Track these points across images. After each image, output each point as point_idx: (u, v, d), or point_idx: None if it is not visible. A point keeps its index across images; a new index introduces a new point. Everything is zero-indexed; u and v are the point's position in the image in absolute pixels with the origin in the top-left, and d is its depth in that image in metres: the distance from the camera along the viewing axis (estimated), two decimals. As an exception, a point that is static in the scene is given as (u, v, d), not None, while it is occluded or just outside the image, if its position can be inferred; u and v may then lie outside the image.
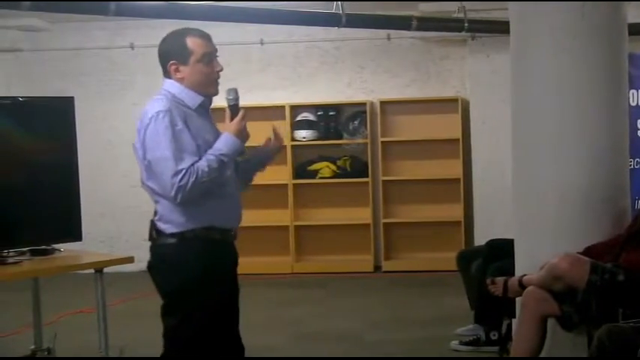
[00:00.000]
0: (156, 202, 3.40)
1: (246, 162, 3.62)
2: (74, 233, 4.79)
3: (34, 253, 4.60)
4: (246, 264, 8.41)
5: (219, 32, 8.33)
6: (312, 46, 8.69)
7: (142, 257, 7.25)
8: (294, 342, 5.83)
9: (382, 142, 8.51)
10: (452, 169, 8.44)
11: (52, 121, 4.79)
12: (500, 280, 4.24)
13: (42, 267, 4.58)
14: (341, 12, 6.81)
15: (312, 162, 8.61)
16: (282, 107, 8.55)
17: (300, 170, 8.61)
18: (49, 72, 8.64)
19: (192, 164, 3.22)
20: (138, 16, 7.25)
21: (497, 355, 4.84)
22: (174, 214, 3.33)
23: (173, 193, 3.22)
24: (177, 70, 3.37)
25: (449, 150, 8.45)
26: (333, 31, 7.87)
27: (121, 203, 8.50)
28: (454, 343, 5.41)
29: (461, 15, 7.42)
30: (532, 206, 4.38)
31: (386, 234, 8.54)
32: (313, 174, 8.58)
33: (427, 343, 5.61)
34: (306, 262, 8.60)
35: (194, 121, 3.34)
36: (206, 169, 3.24)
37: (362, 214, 8.57)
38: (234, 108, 3.43)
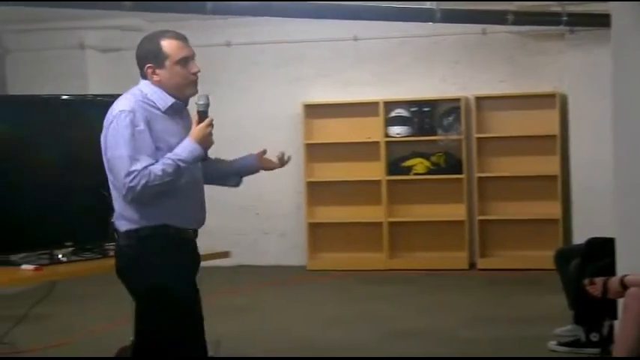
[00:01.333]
0: (114, 199, 3.40)
1: (228, 166, 3.72)
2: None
3: (133, 247, 4.72)
4: (340, 260, 8.56)
5: (313, 29, 8.52)
6: (406, 41, 8.63)
7: (237, 252, 7.37)
8: (386, 339, 5.81)
9: (477, 138, 8.41)
10: (549, 165, 8.27)
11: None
12: (599, 280, 4.13)
13: (141, 261, 4.70)
14: (435, 7, 6.75)
15: (406, 158, 8.56)
16: (376, 103, 8.54)
17: (394, 166, 8.58)
18: (148, 70, 8.83)
19: (147, 166, 3.21)
20: (233, 14, 7.35)
21: (598, 357, 4.72)
22: (127, 211, 3.34)
23: (124, 192, 3.24)
24: (153, 73, 3.35)
25: (546, 146, 8.28)
26: (427, 26, 7.80)
27: (218, 198, 8.64)
28: (552, 344, 5.29)
29: (559, 9, 7.25)
30: (634, 204, 4.25)
31: (481, 231, 8.42)
32: (407, 170, 8.54)
33: (524, 343, 5.51)
34: (400, 258, 8.57)
35: (161, 123, 3.32)
36: (159, 172, 3.22)
37: (456, 211, 8.48)
38: (204, 114, 3.37)
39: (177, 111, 3.41)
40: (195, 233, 3.55)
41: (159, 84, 3.36)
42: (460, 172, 8.43)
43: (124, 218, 3.37)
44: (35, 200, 4.53)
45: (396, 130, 8.50)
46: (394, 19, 7.29)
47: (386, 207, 8.54)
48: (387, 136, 8.53)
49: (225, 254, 4.97)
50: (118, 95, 3.51)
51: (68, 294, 5.68)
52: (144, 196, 3.26)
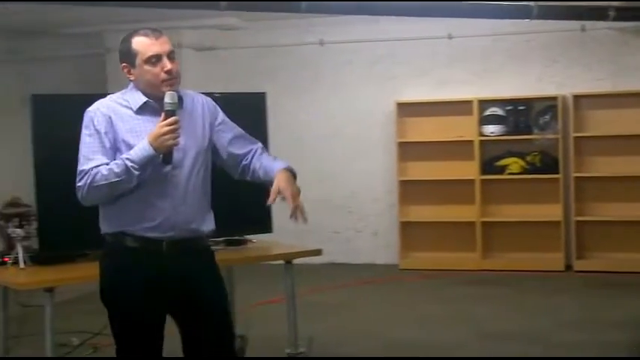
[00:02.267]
0: None
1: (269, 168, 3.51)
2: (265, 225, 4.94)
3: (228, 243, 4.82)
4: (432, 259, 8.52)
5: (406, 27, 8.48)
6: (501, 39, 8.50)
7: (330, 250, 7.41)
8: (479, 339, 5.74)
9: (575, 137, 8.22)
10: (650, 165, 8.03)
11: (246, 115, 4.94)
12: None
13: (236, 257, 4.80)
14: (533, 4, 6.63)
15: (501, 157, 8.44)
16: (470, 102, 8.44)
17: (488, 166, 8.47)
18: (244, 68, 8.97)
19: (97, 166, 3.07)
20: (327, 13, 7.38)
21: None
22: (100, 214, 3.26)
23: (77, 193, 3.15)
24: (129, 73, 3.22)
25: (647, 146, 8.05)
26: (523, 24, 7.67)
27: (311, 196, 8.69)
28: (652, 349, 5.15)
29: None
30: None
31: (578, 232, 8.24)
32: (501, 169, 8.42)
33: (622, 348, 5.36)
34: (494, 259, 8.45)
35: (129, 123, 3.16)
36: (105, 172, 3.06)
37: (552, 211, 8.30)
38: (170, 113, 3.12)
39: (153, 109, 3.18)
40: (167, 246, 3.18)
41: (135, 84, 3.24)
42: (556, 172, 8.26)
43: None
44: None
45: (491, 129, 8.39)
46: (490, 17, 7.20)
47: (479, 207, 8.44)
48: (481, 135, 8.42)
49: (317, 252, 5.01)
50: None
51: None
52: (93, 198, 3.14)
